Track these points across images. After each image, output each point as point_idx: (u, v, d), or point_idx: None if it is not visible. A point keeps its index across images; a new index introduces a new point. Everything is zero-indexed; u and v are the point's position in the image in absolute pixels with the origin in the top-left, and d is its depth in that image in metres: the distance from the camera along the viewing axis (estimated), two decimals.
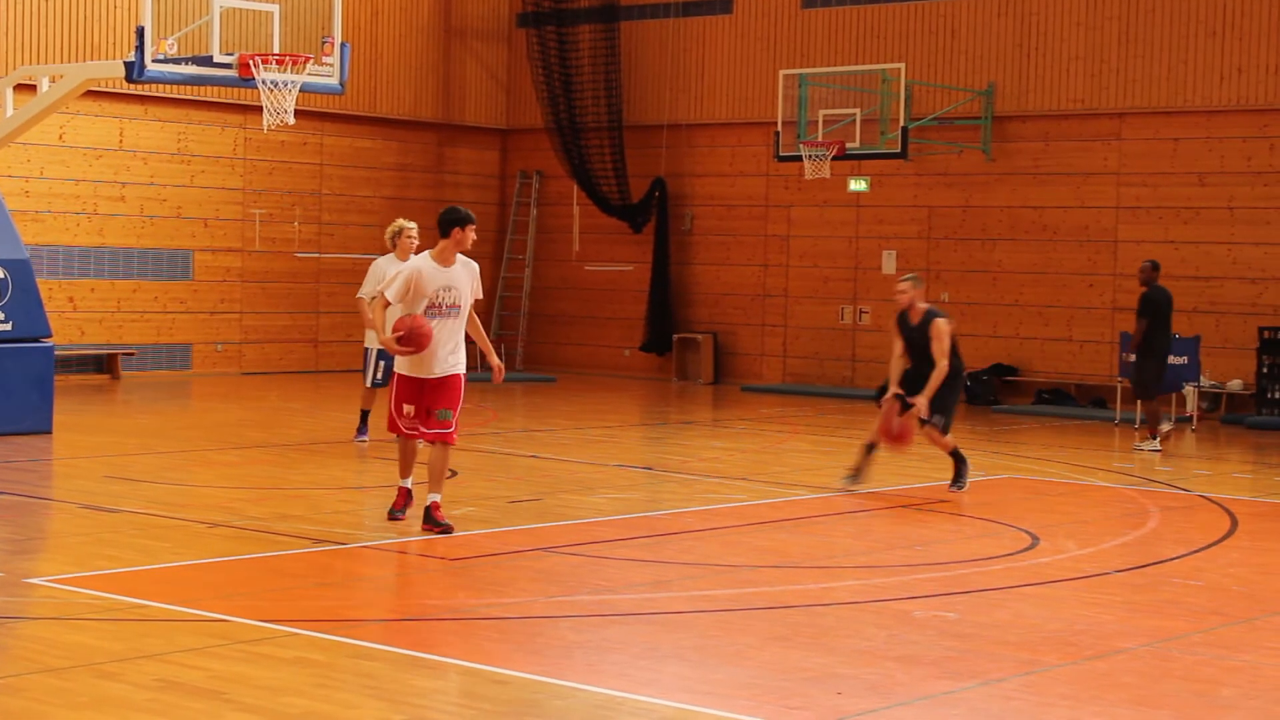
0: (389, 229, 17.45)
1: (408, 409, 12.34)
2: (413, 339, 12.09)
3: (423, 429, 12.34)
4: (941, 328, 15.23)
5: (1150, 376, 19.95)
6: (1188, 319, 23.94)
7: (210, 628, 9.10)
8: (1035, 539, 12.84)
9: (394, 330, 12.06)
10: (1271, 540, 13.45)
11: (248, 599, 9.91)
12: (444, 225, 12.36)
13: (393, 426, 12.48)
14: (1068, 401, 25.08)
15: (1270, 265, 23.81)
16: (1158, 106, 24.66)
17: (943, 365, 15.10)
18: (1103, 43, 25.05)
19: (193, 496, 14.25)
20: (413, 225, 17.21)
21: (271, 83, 19.07)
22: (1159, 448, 19.45)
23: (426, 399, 12.34)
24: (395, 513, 12.72)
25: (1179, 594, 10.87)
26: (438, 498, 12.32)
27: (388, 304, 12.23)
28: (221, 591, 10.17)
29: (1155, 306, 19.73)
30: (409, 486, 12.74)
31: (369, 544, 11.89)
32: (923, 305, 15.49)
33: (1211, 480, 16.86)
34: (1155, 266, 20.07)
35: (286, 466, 16.43)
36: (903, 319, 15.54)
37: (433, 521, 12.25)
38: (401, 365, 12.35)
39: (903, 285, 15.54)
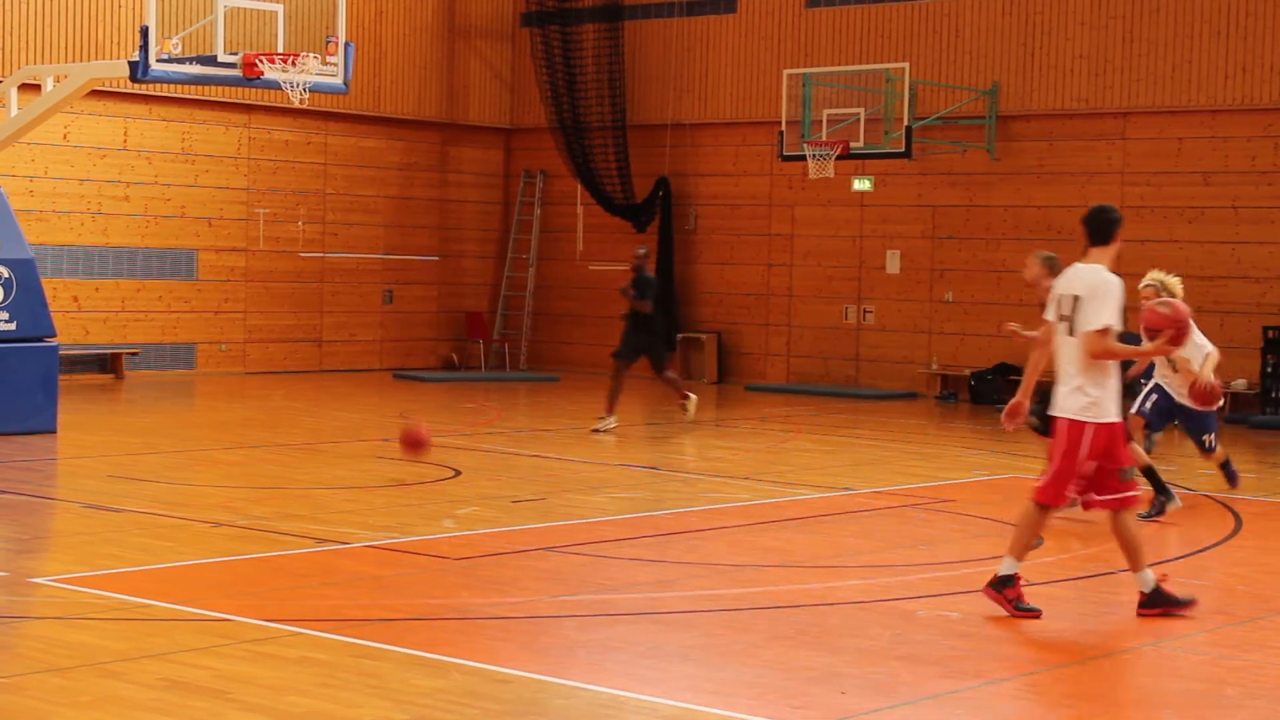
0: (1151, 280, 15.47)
1: (1090, 467, 9.89)
2: (1179, 321, 10.20)
3: (1102, 495, 10.00)
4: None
5: (661, 352, 21.21)
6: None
7: (214, 627, 9.10)
8: (1039, 538, 12.81)
9: (1154, 327, 10.14)
10: (1276, 540, 13.44)
11: (251, 598, 9.91)
12: (1110, 228, 10.21)
13: (1058, 495, 9.95)
14: None
15: (1275, 264, 23.80)
16: (1162, 106, 24.64)
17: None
18: (1107, 42, 25.03)
19: (196, 496, 14.25)
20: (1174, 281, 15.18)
21: (275, 83, 19.12)
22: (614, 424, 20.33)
23: (1112, 452, 9.95)
24: (1028, 606, 9.93)
25: (1178, 589, 10.85)
26: (1152, 572, 10.10)
27: (1109, 329, 9.86)
28: (225, 591, 10.17)
29: (653, 288, 20.90)
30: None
31: (372, 543, 11.88)
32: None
33: (1216, 479, 16.84)
34: (647, 253, 21.46)
35: (290, 466, 16.44)
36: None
37: (1171, 600, 10.00)
38: (1102, 408, 9.86)
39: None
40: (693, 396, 21.47)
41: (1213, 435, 14.73)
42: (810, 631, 9.40)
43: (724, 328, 28.91)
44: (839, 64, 26.68)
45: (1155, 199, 24.78)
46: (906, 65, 25.07)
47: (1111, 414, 9.85)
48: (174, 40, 19.46)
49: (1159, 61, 24.62)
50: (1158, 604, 10.00)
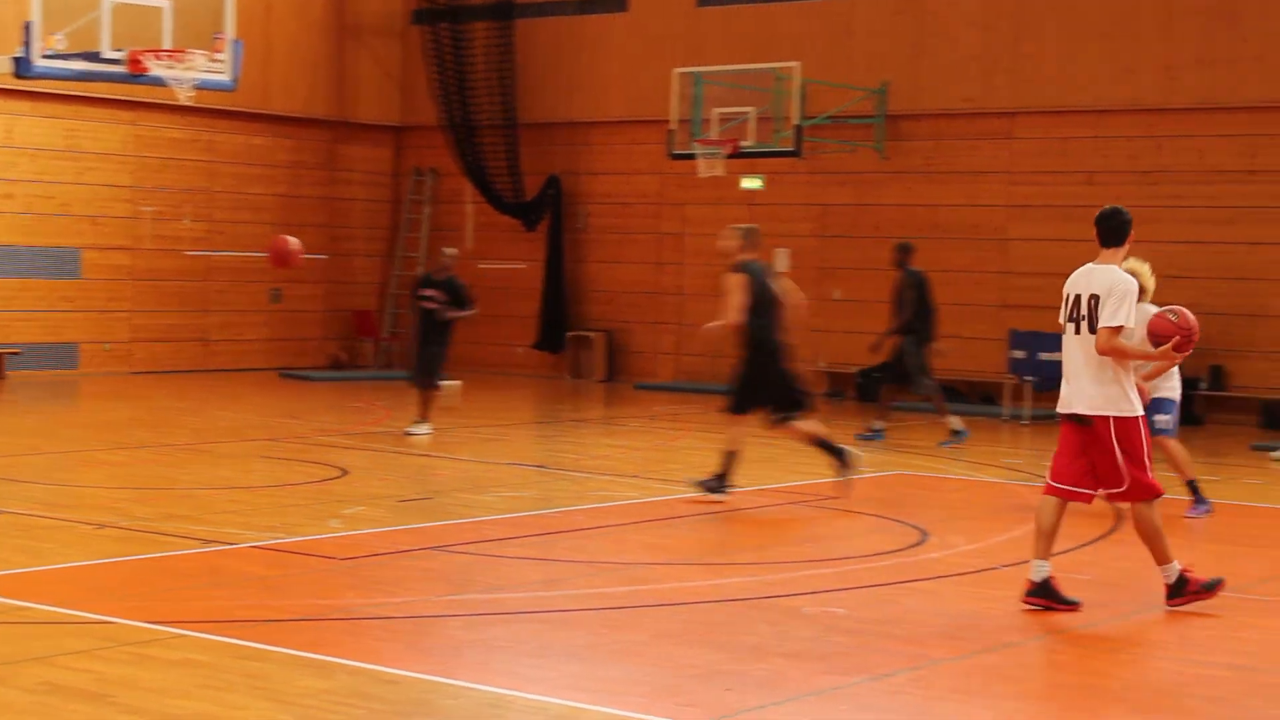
0: None
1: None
2: (1187, 329, 10.24)
3: (1106, 488, 10.35)
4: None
5: (436, 365, 19.31)
6: None
7: (96, 629, 9.00)
8: (924, 534, 12.93)
9: (1161, 334, 10.23)
10: None
11: (134, 600, 9.81)
12: (1125, 229, 10.38)
13: (1153, 485, 10.18)
14: (957, 398, 25.22)
15: (1156, 263, 23.87)
16: (1048, 106, 24.90)
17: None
18: (995, 42, 25.26)
19: (79, 497, 14.09)
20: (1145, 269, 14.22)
21: (161, 79, 18.97)
22: (429, 430, 19.08)
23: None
24: (1210, 583, 10.34)
25: (1067, 588, 10.97)
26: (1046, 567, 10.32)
27: (1122, 329, 10.08)
28: (108, 593, 10.05)
29: (468, 295, 19.39)
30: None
31: (257, 544, 11.79)
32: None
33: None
34: (457, 255, 20.19)
35: (175, 466, 16.29)
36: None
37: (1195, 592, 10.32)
38: (1135, 401, 10.19)
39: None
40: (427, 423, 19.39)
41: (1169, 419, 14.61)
42: (696, 629, 9.42)
43: (614, 326, 28.92)
44: (729, 63, 26.73)
45: (1041, 198, 25.04)
46: (796, 64, 25.17)
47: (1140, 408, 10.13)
48: (59, 36, 19.25)
49: (1045, 63, 24.87)
50: (1190, 592, 10.22)
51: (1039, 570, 10.17)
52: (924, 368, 20.05)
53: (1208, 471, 17.59)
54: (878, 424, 20.27)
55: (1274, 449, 19.55)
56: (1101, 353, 9.97)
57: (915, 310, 19.92)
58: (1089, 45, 24.54)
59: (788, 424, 14.76)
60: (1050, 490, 10.28)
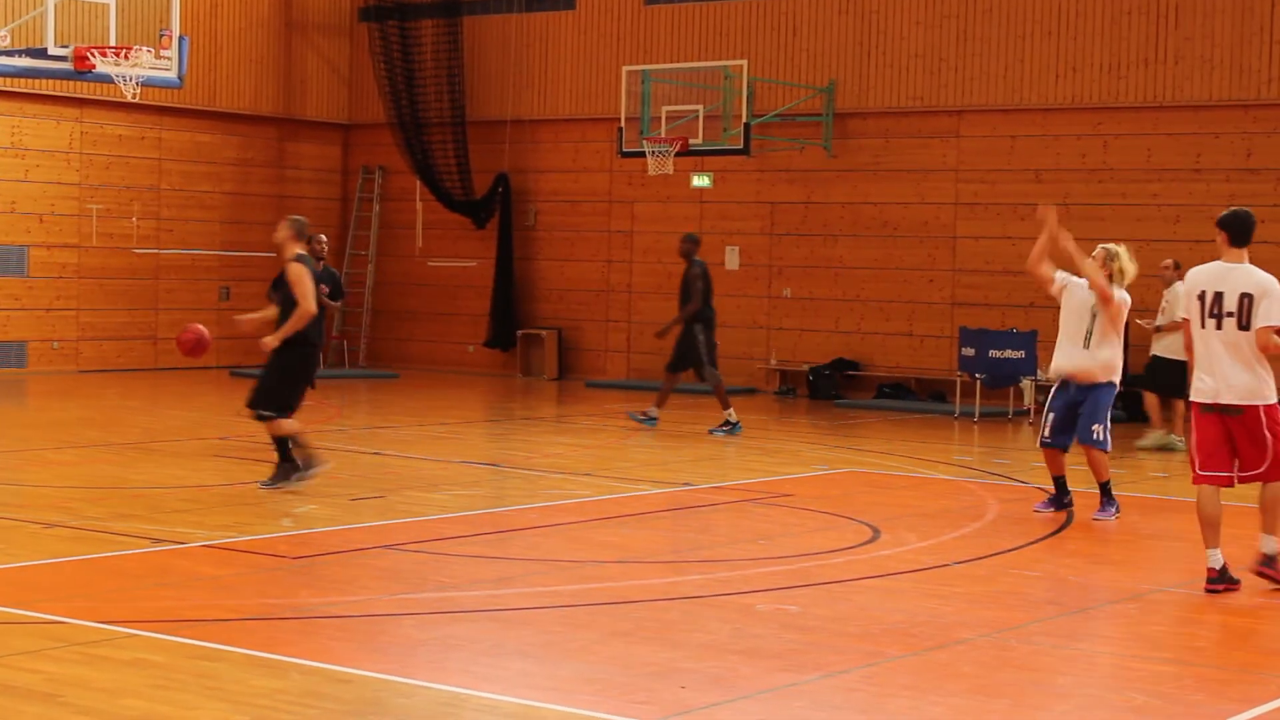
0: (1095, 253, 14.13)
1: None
2: None
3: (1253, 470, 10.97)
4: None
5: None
6: (1024, 314, 24.31)
7: (46, 629, 8.95)
8: (876, 532, 12.97)
9: None
10: (1104, 531, 13.69)
11: (85, 600, 9.76)
12: (1252, 229, 10.88)
13: None
14: (908, 395, 25.36)
15: None
16: (995, 104, 25.01)
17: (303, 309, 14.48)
18: (941, 41, 25.35)
19: (29, 496, 14.01)
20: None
21: (108, 76, 18.88)
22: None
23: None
24: None
25: (1017, 585, 11.04)
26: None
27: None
28: (58, 593, 10.00)
29: (340, 287, 18.72)
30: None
31: (209, 543, 11.75)
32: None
33: (1048, 473, 17.12)
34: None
35: (125, 465, 16.21)
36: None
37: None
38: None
39: None
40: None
41: (1102, 426, 14.48)
42: (650, 627, 9.44)
43: (564, 324, 28.92)
44: (678, 61, 26.79)
45: (989, 196, 25.15)
46: (745, 62, 25.21)
47: None
48: (3, 32, 19.15)
49: (992, 60, 24.98)
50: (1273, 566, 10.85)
51: (1215, 558, 10.80)
52: (713, 357, 20.36)
53: (1150, 468, 17.72)
54: (653, 410, 20.61)
55: (1178, 443, 19.43)
56: (1264, 349, 10.60)
57: (705, 300, 20.23)
58: (1034, 43, 24.66)
59: (270, 421, 14.63)
60: (1203, 479, 10.80)
